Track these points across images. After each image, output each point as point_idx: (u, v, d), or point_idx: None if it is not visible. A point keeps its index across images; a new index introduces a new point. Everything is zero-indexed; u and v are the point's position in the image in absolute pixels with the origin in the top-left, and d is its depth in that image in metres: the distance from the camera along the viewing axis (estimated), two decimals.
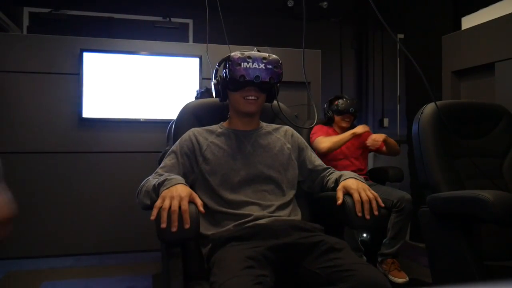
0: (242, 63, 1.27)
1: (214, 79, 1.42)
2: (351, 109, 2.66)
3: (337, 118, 2.72)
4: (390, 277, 2.35)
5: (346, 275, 1.02)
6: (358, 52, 4.98)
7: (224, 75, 1.34)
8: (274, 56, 1.34)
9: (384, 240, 2.44)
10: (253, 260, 1.05)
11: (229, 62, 1.29)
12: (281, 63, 1.34)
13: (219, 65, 1.41)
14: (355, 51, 4.99)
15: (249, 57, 1.28)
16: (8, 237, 0.72)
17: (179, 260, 1.19)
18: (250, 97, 1.34)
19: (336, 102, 2.71)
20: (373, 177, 2.75)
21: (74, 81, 3.07)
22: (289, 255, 1.14)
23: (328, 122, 2.79)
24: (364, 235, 2.70)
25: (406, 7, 3.45)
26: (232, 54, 1.30)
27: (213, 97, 1.53)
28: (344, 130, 2.72)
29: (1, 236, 0.71)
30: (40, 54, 3.04)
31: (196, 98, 2.76)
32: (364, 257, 2.42)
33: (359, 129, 2.57)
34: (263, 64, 1.29)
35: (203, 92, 2.70)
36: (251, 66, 1.28)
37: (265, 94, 1.40)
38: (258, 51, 1.39)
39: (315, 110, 1.56)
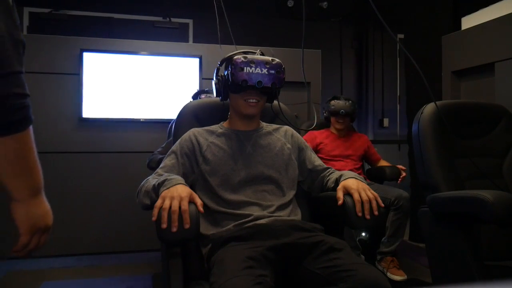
0: (245, 68, 1.26)
1: (216, 78, 1.41)
2: (341, 111, 2.62)
3: (332, 118, 2.72)
4: (389, 275, 2.36)
5: (346, 275, 1.02)
6: (358, 52, 4.98)
7: (226, 76, 1.33)
8: (277, 60, 1.33)
9: (382, 239, 2.45)
10: (253, 260, 1.05)
11: (232, 65, 1.28)
12: (283, 68, 1.33)
13: (220, 64, 1.41)
14: (355, 51, 4.99)
15: (252, 62, 1.27)
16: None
17: (179, 260, 1.19)
18: (251, 100, 1.33)
19: (332, 102, 2.70)
20: (371, 176, 2.76)
21: (74, 81, 3.07)
22: (289, 255, 1.15)
23: (326, 122, 2.80)
24: (363, 234, 2.70)
25: (406, 7, 3.45)
26: (235, 57, 1.29)
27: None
28: (339, 131, 2.73)
29: (42, 243, 0.79)
30: (40, 54, 3.04)
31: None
32: (362, 256, 2.43)
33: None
34: (266, 69, 1.28)
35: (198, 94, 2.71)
36: (253, 71, 1.27)
37: (266, 97, 1.40)
38: (262, 53, 1.39)
39: (315, 111, 1.56)
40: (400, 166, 2.62)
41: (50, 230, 0.80)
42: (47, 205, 0.79)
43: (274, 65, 1.30)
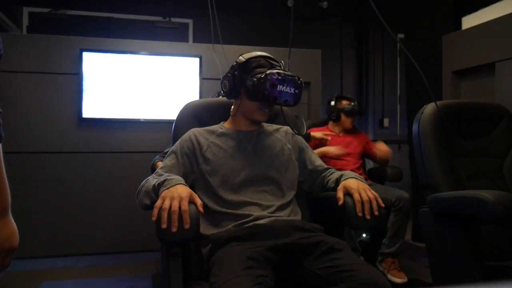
0: (279, 85, 1.26)
1: (230, 75, 1.35)
2: (360, 112, 2.76)
3: (345, 118, 2.75)
4: (389, 276, 2.35)
5: (346, 275, 1.02)
6: (358, 52, 4.98)
7: (251, 83, 1.29)
8: (301, 79, 1.33)
9: (384, 240, 2.44)
10: (253, 260, 1.05)
11: (267, 80, 1.25)
12: (303, 86, 1.35)
13: (238, 64, 1.35)
14: (355, 51, 4.99)
15: (284, 80, 1.27)
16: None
17: (179, 260, 1.19)
18: (265, 109, 1.36)
19: (345, 103, 2.75)
20: (372, 176, 2.76)
21: (74, 81, 3.06)
22: (289, 256, 1.14)
23: (335, 120, 2.79)
24: (364, 235, 2.70)
25: (406, 7, 3.45)
26: (268, 71, 1.27)
27: None
28: (346, 130, 2.77)
29: (6, 265, 0.75)
30: (39, 54, 3.04)
31: None
32: (362, 257, 2.42)
33: (333, 150, 2.56)
34: (293, 89, 1.30)
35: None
36: (284, 90, 1.28)
37: None
38: (275, 61, 1.36)
39: (303, 122, 1.55)
40: (382, 147, 2.65)
41: (15, 251, 0.76)
42: (13, 225, 0.76)
43: (299, 85, 1.31)
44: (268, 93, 1.26)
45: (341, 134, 2.76)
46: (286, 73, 1.30)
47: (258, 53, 1.37)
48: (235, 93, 1.36)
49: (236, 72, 1.35)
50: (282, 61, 1.37)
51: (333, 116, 2.79)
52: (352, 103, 2.74)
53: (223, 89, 1.39)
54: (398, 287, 2.29)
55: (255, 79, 1.28)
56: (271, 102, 1.30)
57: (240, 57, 1.37)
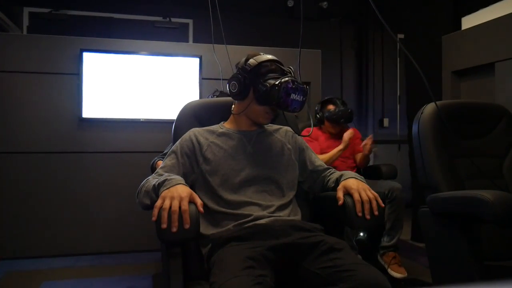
0: (292, 94, 1.28)
1: (240, 75, 1.34)
2: (341, 120, 2.61)
3: (327, 123, 2.68)
4: (389, 271, 2.34)
5: (346, 275, 1.02)
6: (358, 52, 4.99)
7: (264, 88, 1.29)
8: (307, 86, 1.35)
9: (383, 233, 2.44)
10: (253, 260, 1.05)
11: (282, 88, 1.26)
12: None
13: (247, 63, 1.35)
14: (355, 51, 4.99)
15: (297, 89, 1.29)
16: None
17: (179, 260, 1.19)
18: (271, 113, 1.37)
19: (329, 107, 2.68)
20: (367, 175, 2.75)
21: (74, 81, 3.07)
22: (289, 255, 1.15)
23: (318, 123, 2.76)
24: (361, 234, 2.70)
25: (406, 7, 3.45)
26: (283, 79, 1.28)
27: None
28: (332, 135, 2.70)
29: None
30: (40, 54, 3.04)
31: None
32: (359, 256, 2.42)
33: (345, 138, 2.46)
34: (302, 97, 1.32)
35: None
36: (295, 98, 1.30)
37: None
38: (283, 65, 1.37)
39: (311, 118, 1.55)
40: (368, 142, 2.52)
41: None
42: None
43: (306, 92, 1.33)
44: (282, 100, 1.28)
45: (333, 136, 2.70)
46: (298, 82, 1.32)
47: (269, 56, 1.37)
48: (243, 95, 1.36)
49: (246, 75, 1.34)
50: (291, 67, 1.38)
51: (316, 120, 2.73)
52: (338, 108, 2.61)
53: (232, 90, 1.37)
54: (397, 285, 2.29)
55: (268, 85, 1.29)
56: (282, 109, 1.32)
57: (251, 59, 1.35)
